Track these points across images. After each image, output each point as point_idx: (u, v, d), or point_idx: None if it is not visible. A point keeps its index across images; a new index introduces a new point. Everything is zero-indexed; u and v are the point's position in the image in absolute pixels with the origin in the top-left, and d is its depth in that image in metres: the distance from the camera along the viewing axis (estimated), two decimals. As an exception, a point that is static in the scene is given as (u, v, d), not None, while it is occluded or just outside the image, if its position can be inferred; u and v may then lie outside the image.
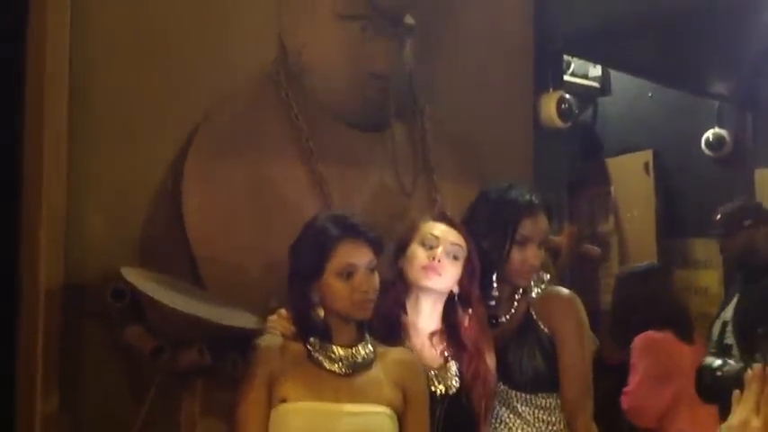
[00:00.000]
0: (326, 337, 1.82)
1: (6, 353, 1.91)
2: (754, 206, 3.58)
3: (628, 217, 4.29)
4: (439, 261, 1.94)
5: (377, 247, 1.84)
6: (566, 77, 4.07)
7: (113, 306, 1.86)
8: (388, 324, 1.93)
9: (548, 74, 3.39)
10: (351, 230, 1.81)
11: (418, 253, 1.97)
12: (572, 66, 4.35)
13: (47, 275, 1.89)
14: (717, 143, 4.36)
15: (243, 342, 1.82)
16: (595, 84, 4.63)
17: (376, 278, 1.82)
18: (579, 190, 4.28)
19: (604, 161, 4.45)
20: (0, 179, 1.95)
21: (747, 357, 3.31)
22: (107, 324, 1.92)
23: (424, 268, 1.94)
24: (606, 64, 4.27)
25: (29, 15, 1.96)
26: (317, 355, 1.81)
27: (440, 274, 1.94)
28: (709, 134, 4.37)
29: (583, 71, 4.56)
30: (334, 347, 1.81)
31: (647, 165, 4.28)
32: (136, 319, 1.86)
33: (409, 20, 2.62)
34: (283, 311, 1.91)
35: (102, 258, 1.97)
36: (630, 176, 4.35)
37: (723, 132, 4.34)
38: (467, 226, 2.06)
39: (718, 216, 3.50)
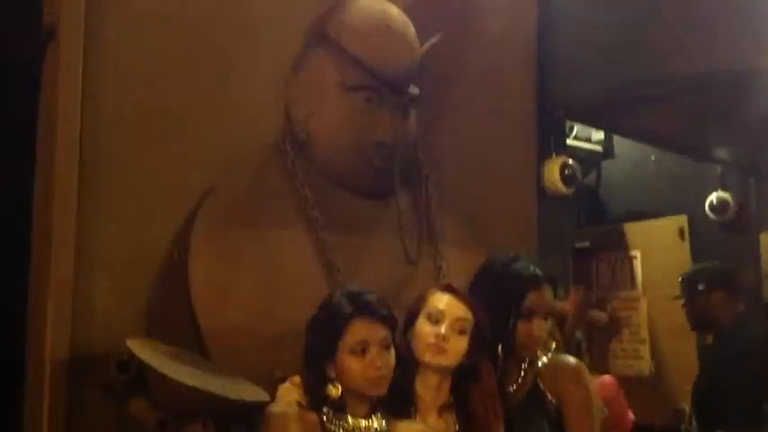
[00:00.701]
0: (341, 408, 1.82)
1: (12, 424, 1.90)
2: (713, 270, 3.48)
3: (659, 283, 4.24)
4: (444, 338, 1.94)
5: (391, 323, 1.86)
6: (568, 141, 4.10)
7: (118, 378, 1.86)
8: (397, 397, 1.92)
9: (550, 140, 3.42)
10: (364, 308, 1.83)
11: (424, 329, 1.97)
12: (575, 129, 4.40)
13: (53, 347, 1.90)
14: (721, 207, 4.36)
15: (248, 415, 1.81)
16: (598, 147, 4.67)
17: (391, 355, 1.83)
18: (596, 255, 4.29)
19: (622, 226, 4.47)
20: (9, 251, 1.97)
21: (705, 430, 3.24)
22: (112, 396, 1.92)
23: (429, 345, 1.94)
24: (608, 130, 4.32)
25: (40, 89, 2.00)
26: (330, 425, 1.81)
27: (445, 352, 1.94)
28: (713, 198, 4.38)
29: (585, 134, 4.60)
30: (348, 418, 1.82)
31: (681, 230, 4.28)
32: (141, 391, 1.85)
33: (413, 89, 2.66)
34: (297, 378, 1.92)
35: (109, 330, 1.98)
36: (659, 242, 4.34)
37: (727, 196, 4.36)
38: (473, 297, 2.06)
39: (680, 279, 3.43)
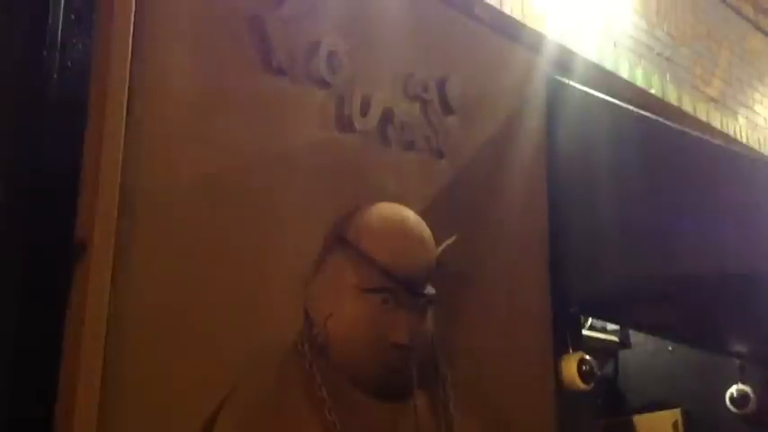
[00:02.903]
0: None
1: None
2: None
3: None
4: None
5: None
6: (584, 332, 4.11)
7: None
8: None
9: (566, 336, 3.43)
10: None
11: None
12: (590, 320, 4.41)
13: None
14: (741, 400, 4.30)
15: None
16: (614, 338, 4.66)
17: None
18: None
19: (632, 419, 4.37)
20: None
21: None
22: None
23: None
24: (624, 325, 4.33)
25: (69, 304, 2.04)
26: None
27: None
28: (733, 390, 4.32)
29: (601, 324, 4.61)
30: None
31: (675, 424, 4.20)
32: None
33: (430, 290, 2.71)
34: None
35: None
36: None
37: (747, 389, 4.30)
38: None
39: None
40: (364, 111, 2.77)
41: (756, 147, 4.89)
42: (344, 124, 2.72)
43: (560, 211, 3.41)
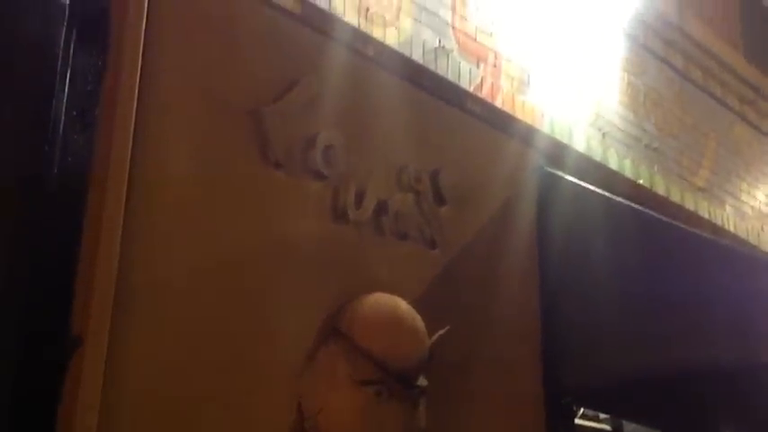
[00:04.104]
0: None
1: None
2: None
3: None
4: None
5: None
6: (577, 420, 4.08)
7: None
8: None
9: (559, 425, 3.40)
10: None
11: None
12: (582, 409, 4.38)
13: None
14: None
15: None
16: (607, 426, 4.62)
17: None
18: None
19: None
20: None
21: None
22: None
23: None
24: (617, 415, 4.30)
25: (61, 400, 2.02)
26: None
27: None
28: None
29: (594, 413, 4.57)
30: None
31: None
32: None
33: (423, 381, 2.70)
34: None
35: None
36: None
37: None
38: None
39: None
40: (359, 202, 2.81)
41: (744, 236, 4.95)
42: (339, 215, 2.75)
43: (552, 301, 3.42)
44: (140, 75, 2.24)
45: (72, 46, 2.11)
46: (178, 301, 2.27)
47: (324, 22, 2.81)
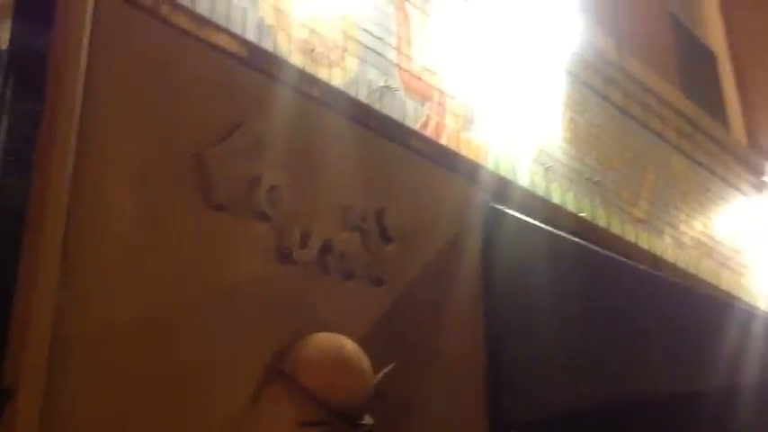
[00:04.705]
0: None
1: None
2: None
3: None
4: None
5: None
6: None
7: None
8: None
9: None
10: None
11: None
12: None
13: None
14: None
15: None
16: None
17: None
18: None
19: None
20: None
21: None
22: None
23: None
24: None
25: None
26: None
27: None
28: None
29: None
30: None
31: None
32: None
33: (368, 420, 2.70)
34: None
35: None
36: None
37: None
38: None
39: None
40: (304, 242, 2.81)
41: (684, 266, 5.07)
42: (284, 256, 2.75)
43: (497, 335, 3.46)
44: (80, 119, 2.22)
45: (9, 92, 2.08)
46: (117, 349, 2.23)
47: (269, 64, 2.83)
